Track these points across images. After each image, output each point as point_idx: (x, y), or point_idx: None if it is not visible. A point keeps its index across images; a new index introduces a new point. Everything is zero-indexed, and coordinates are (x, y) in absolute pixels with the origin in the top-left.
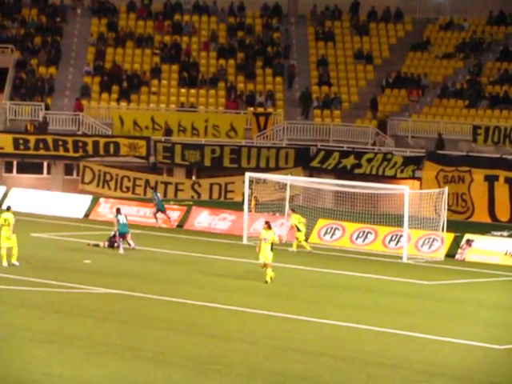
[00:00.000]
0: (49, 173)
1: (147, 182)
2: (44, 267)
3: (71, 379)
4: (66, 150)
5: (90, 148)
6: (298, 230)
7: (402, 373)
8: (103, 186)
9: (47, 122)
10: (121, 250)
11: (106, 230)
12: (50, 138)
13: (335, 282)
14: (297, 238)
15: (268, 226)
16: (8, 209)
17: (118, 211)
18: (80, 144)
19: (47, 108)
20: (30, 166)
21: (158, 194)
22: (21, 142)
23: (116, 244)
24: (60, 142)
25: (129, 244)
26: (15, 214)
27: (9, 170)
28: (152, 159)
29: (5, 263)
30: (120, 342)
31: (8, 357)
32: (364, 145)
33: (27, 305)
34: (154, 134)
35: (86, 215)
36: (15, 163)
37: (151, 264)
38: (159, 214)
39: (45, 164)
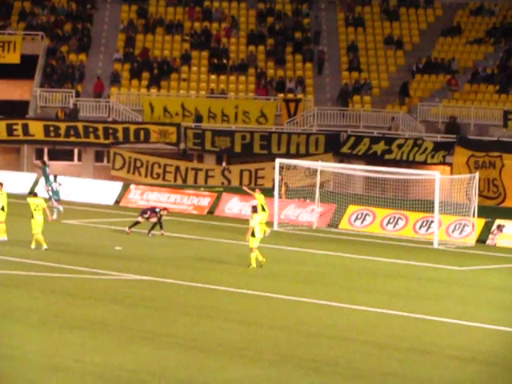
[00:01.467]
0: (79, 160)
1: (177, 168)
2: (75, 254)
3: (103, 365)
4: (97, 136)
5: (120, 135)
6: (263, 209)
7: (434, 358)
8: (134, 173)
9: (78, 109)
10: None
11: (136, 217)
12: (80, 125)
13: (366, 268)
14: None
15: (254, 210)
16: (35, 195)
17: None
18: (110, 131)
19: (78, 95)
20: (60, 153)
21: (47, 169)
22: (51, 129)
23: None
24: (90, 129)
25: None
26: (46, 200)
27: (40, 157)
28: (182, 146)
29: (33, 246)
30: (151, 328)
31: (40, 343)
32: (394, 130)
33: (59, 291)
34: (184, 121)
35: (117, 202)
36: (46, 150)
37: (182, 250)
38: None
39: (75, 151)
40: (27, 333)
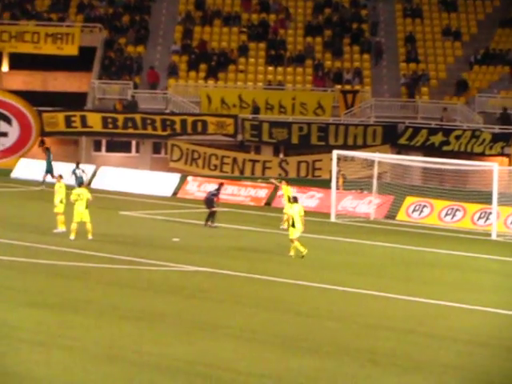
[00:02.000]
0: (137, 151)
1: (235, 159)
2: (133, 245)
3: (160, 356)
4: (155, 128)
5: (177, 126)
6: (289, 201)
7: (493, 350)
8: (191, 164)
9: (136, 101)
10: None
11: (193, 208)
12: (138, 117)
13: (424, 260)
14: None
15: (295, 200)
16: (80, 185)
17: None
18: (168, 122)
19: (135, 87)
20: (118, 145)
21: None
22: (109, 120)
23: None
24: (148, 121)
25: None
26: (102, 191)
27: (98, 148)
28: (240, 137)
29: (72, 237)
30: (208, 320)
31: (98, 334)
32: (452, 121)
33: (117, 283)
34: (241, 112)
35: (175, 193)
36: (104, 142)
37: (239, 241)
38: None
39: (133, 143)
40: (86, 324)
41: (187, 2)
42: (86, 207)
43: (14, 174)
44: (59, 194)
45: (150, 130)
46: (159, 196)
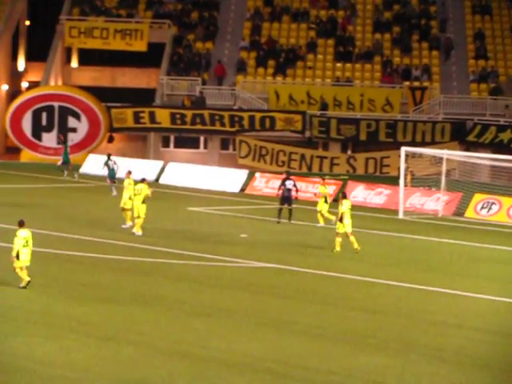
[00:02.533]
0: (205, 147)
1: (303, 156)
2: (201, 241)
3: (228, 352)
4: (223, 124)
5: (246, 122)
6: (326, 201)
7: None
8: (259, 161)
9: (204, 97)
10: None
11: (261, 204)
12: (206, 113)
13: (492, 257)
14: (320, 211)
15: (344, 196)
16: (142, 180)
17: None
18: (236, 119)
19: (204, 83)
20: (186, 141)
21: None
22: (178, 116)
23: None
24: (216, 117)
25: None
26: (170, 187)
27: (166, 144)
28: (308, 134)
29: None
30: (276, 316)
31: (166, 329)
32: (509, 117)
33: (184, 278)
34: (309, 109)
35: (242, 189)
36: (172, 138)
37: (307, 238)
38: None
39: (201, 139)
40: (154, 319)
41: None
42: (143, 202)
43: (83, 170)
44: (128, 190)
45: (218, 126)
46: (227, 192)
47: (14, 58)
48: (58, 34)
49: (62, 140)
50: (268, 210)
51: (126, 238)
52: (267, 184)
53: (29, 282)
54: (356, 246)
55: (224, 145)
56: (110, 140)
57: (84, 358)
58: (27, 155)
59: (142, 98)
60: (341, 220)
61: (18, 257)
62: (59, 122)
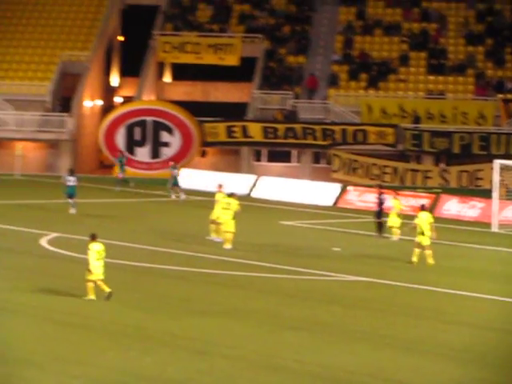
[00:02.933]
0: (297, 161)
1: (395, 169)
2: (293, 255)
3: (322, 366)
4: (315, 138)
5: (338, 136)
6: (398, 215)
7: None
8: (351, 174)
9: (296, 111)
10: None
11: (354, 218)
12: (298, 127)
13: None
14: (392, 227)
15: (422, 208)
16: (231, 195)
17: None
18: (328, 132)
19: (296, 97)
20: (278, 155)
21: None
22: (270, 130)
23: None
24: (309, 131)
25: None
26: (262, 201)
27: (258, 158)
28: (400, 147)
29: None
30: (370, 330)
31: (259, 343)
32: None
33: (277, 292)
34: (402, 122)
35: (335, 203)
36: (264, 152)
37: (400, 251)
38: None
39: (293, 152)
40: (247, 333)
41: (348, 11)
42: (233, 218)
43: None
44: (220, 203)
45: (310, 140)
46: (319, 206)
47: (108, 73)
48: (151, 50)
49: (122, 155)
50: (360, 223)
51: (218, 252)
52: (360, 197)
53: (110, 293)
54: (429, 260)
55: (316, 158)
56: (203, 154)
57: (178, 371)
58: None
59: (235, 112)
60: (422, 233)
61: (92, 270)
62: (152, 136)
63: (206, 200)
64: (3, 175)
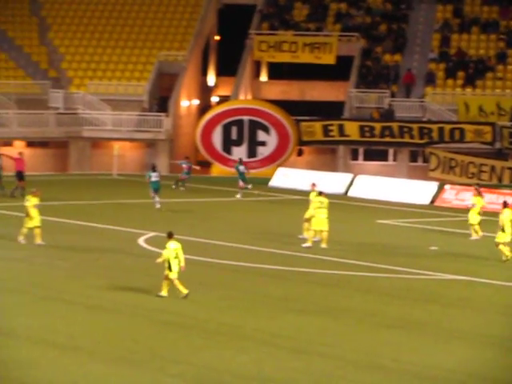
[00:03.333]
0: (394, 160)
1: (493, 167)
2: (390, 253)
3: (420, 365)
4: (412, 136)
5: (435, 134)
6: (479, 213)
7: None
8: (448, 173)
9: (392, 109)
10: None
11: (451, 217)
12: (395, 125)
13: None
14: (472, 224)
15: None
16: (320, 194)
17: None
18: (425, 131)
19: (392, 95)
20: (375, 153)
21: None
22: (367, 129)
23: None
24: (405, 129)
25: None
26: (359, 200)
27: (355, 157)
28: (498, 145)
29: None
30: (468, 329)
31: (357, 342)
32: None
33: (374, 291)
34: (499, 120)
35: (432, 202)
36: (361, 151)
37: (497, 250)
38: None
39: (390, 151)
40: (344, 331)
41: (445, 9)
42: (328, 216)
43: (273, 183)
44: (314, 203)
45: (407, 139)
46: (416, 204)
47: (204, 73)
48: (248, 49)
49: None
50: (458, 222)
51: (315, 251)
52: (457, 196)
53: (187, 294)
54: (504, 257)
55: (413, 157)
56: (299, 153)
57: (275, 370)
58: (218, 169)
59: (331, 111)
60: (503, 230)
61: (170, 268)
62: (249, 135)
63: (302, 199)
64: (101, 175)
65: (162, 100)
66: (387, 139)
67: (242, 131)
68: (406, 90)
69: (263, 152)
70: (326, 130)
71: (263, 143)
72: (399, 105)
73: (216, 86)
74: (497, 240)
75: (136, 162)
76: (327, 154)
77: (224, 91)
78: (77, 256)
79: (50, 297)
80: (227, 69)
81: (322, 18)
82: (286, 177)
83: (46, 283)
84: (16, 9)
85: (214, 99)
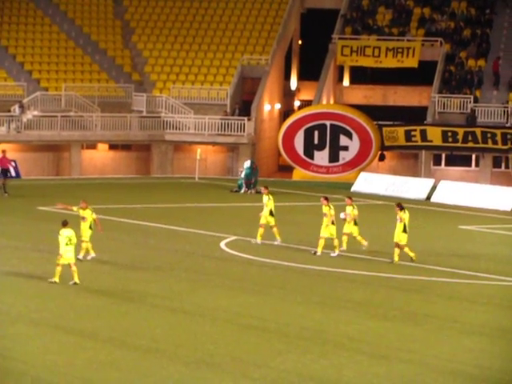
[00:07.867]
0: (477, 165)
1: None
2: (473, 259)
3: (503, 371)
4: (495, 142)
5: None
6: (355, 223)
7: None
8: None
9: (476, 115)
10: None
11: None
12: (478, 131)
13: None
14: (350, 233)
15: None
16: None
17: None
18: (509, 136)
19: (476, 100)
20: (458, 159)
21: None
22: (449, 134)
23: None
24: (488, 135)
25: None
26: (441, 205)
27: (437, 162)
28: None
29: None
30: None
31: (438, 348)
32: None
33: (456, 297)
34: None
35: None
36: (443, 156)
37: None
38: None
39: (473, 156)
40: (425, 337)
41: None
42: (333, 222)
43: (355, 188)
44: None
45: (490, 144)
46: (499, 210)
47: (287, 77)
48: (331, 53)
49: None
50: None
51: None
52: None
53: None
54: None
55: (496, 163)
56: (382, 158)
57: (356, 375)
58: (299, 173)
59: (414, 116)
60: None
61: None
62: (331, 140)
63: (384, 204)
64: (184, 178)
65: (244, 104)
66: (470, 145)
67: (324, 136)
68: (494, 77)
69: (345, 157)
70: (408, 135)
71: (345, 148)
72: (483, 110)
73: (298, 90)
74: None
75: (218, 165)
76: (409, 159)
77: (306, 95)
78: (158, 259)
79: (132, 299)
80: (309, 73)
81: (405, 23)
82: (367, 182)
83: (127, 286)
84: (100, 12)
85: (296, 103)
